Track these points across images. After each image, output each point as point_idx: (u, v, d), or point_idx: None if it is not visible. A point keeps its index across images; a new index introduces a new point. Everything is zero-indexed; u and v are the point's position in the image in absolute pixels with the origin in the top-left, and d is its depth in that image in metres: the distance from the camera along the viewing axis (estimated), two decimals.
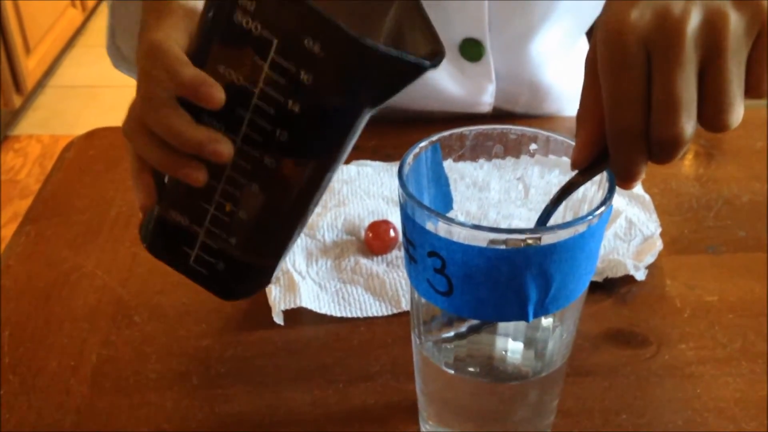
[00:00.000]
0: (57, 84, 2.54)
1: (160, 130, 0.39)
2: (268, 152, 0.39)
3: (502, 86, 0.76)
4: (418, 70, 0.37)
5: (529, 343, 0.45)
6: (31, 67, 2.35)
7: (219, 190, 0.40)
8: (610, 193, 0.39)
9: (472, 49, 0.73)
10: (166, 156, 0.40)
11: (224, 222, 0.41)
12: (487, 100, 0.77)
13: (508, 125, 0.44)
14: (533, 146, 0.44)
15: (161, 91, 0.39)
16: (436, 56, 0.38)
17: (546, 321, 0.43)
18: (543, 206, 0.41)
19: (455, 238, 0.37)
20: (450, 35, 0.72)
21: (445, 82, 0.75)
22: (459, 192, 0.45)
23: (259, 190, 0.40)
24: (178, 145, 0.39)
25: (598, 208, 0.38)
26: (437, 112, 0.77)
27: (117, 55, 0.67)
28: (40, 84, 2.48)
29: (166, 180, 0.43)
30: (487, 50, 0.73)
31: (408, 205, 0.39)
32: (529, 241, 0.37)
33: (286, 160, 0.40)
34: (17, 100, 2.29)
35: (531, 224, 0.45)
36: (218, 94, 0.37)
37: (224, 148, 0.38)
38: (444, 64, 0.74)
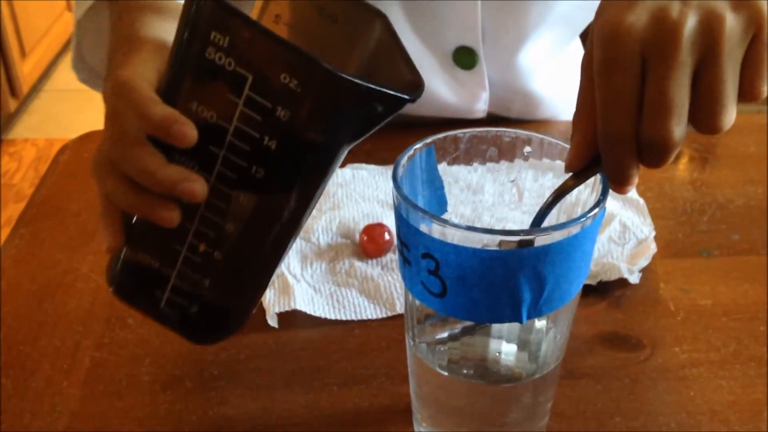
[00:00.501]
0: (52, 88, 2.54)
1: (131, 170, 0.38)
2: (244, 190, 0.38)
3: (496, 93, 0.77)
4: (397, 103, 0.36)
5: (522, 345, 0.45)
6: (26, 71, 2.35)
7: (192, 231, 0.39)
8: (604, 195, 0.39)
9: (465, 58, 0.73)
10: (136, 197, 0.38)
11: (198, 263, 0.40)
12: (480, 107, 0.77)
13: (502, 128, 0.44)
14: (527, 149, 0.44)
15: (130, 130, 0.38)
16: (416, 88, 0.38)
17: (539, 323, 0.43)
18: (537, 209, 0.41)
19: (449, 240, 0.37)
20: (443, 43, 0.72)
21: (440, 90, 0.75)
22: (453, 195, 0.45)
23: (234, 229, 0.39)
24: (149, 185, 0.37)
25: (591, 209, 0.38)
26: (431, 118, 0.77)
27: (84, 69, 0.66)
28: (36, 88, 2.47)
29: (134, 221, 0.41)
30: (481, 58, 0.73)
31: (402, 207, 0.39)
32: (523, 243, 0.37)
33: (263, 197, 0.38)
34: (12, 104, 2.29)
35: (525, 227, 0.45)
36: (191, 133, 0.36)
37: (198, 187, 0.37)
38: (438, 72, 0.74)
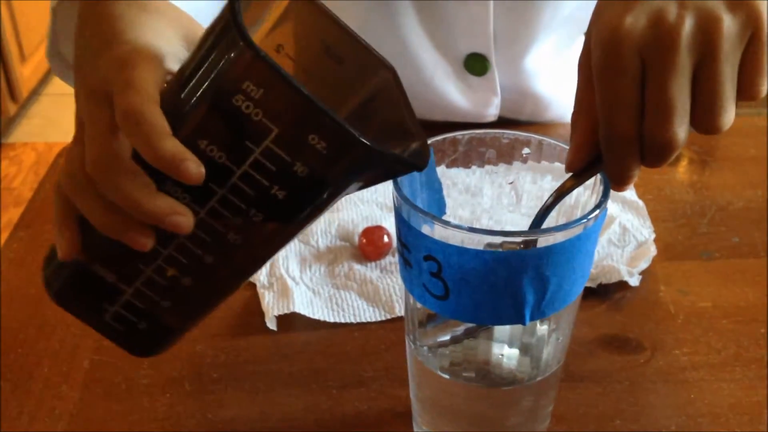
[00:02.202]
0: (52, 92, 2.54)
1: (116, 197, 0.35)
2: (234, 229, 0.36)
3: (507, 97, 0.77)
4: (411, 170, 0.36)
5: (524, 347, 0.45)
6: (26, 75, 2.35)
7: (164, 255, 0.37)
8: (605, 195, 0.39)
9: (477, 64, 0.73)
10: (112, 219, 0.36)
11: (161, 285, 0.38)
12: (492, 111, 0.77)
13: (501, 130, 0.44)
14: (526, 150, 0.44)
15: (122, 154, 0.35)
16: (424, 155, 0.38)
17: (541, 325, 0.43)
18: (535, 211, 0.41)
19: (451, 242, 0.37)
20: (455, 50, 0.73)
21: (452, 96, 0.75)
22: (452, 197, 0.45)
23: (213, 261, 0.37)
24: (133, 214, 0.35)
25: (593, 210, 0.38)
26: (443, 122, 0.77)
27: (60, 63, 0.61)
28: (35, 92, 2.47)
29: (95, 230, 0.38)
30: (492, 65, 0.73)
31: (403, 209, 0.39)
32: (526, 244, 0.37)
33: (253, 236, 0.37)
34: (12, 108, 2.29)
35: (524, 229, 0.45)
36: (199, 174, 0.34)
37: (185, 221, 0.35)
38: (450, 78, 0.74)
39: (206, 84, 0.34)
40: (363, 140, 0.33)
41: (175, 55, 0.38)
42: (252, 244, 0.37)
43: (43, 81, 2.52)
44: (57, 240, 0.39)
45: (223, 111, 0.34)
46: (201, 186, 0.34)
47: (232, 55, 0.33)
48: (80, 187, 0.36)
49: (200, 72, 0.35)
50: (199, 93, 0.34)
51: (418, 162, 0.37)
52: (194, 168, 0.33)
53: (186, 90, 0.35)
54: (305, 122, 0.33)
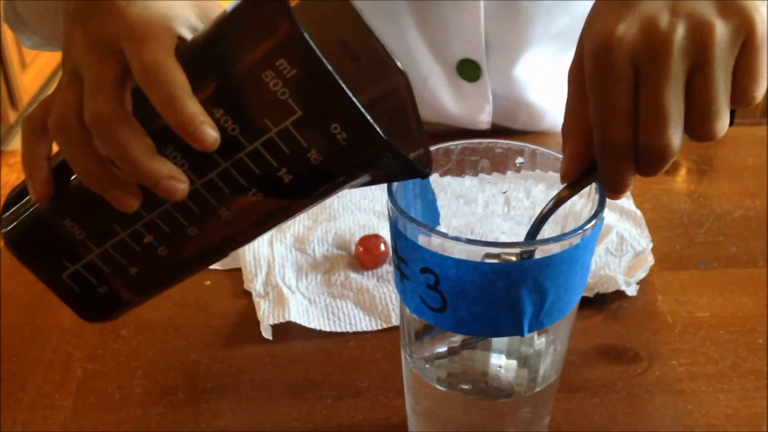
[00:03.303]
0: None
1: (111, 150, 0.33)
2: (228, 205, 0.35)
3: (500, 106, 0.77)
4: (416, 177, 0.36)
5: (521, 358, 0.44)
6: (26, 82, 2.35)
7: (145, 221, 0.35)
8: (602, 204, 0.39)
9: (469, 70, 0.73)
10: (101, 173, 0.34)
11: (134, 251, 0.36)
12: (484, 118, 0.78)
13: (494, 139, 0.44)
14: (519, 160, 0.44)
15: (122, 103, 0.33)
16: (428, 165, 0.38)
17: (539, 336, 0.43)
18: (529, 220, 0.41)
19: (448, 254, 0.37)
20: (448, 55, 0.73)
21: (445, 101, 0.76)
22: (444, 207, 0.45)
23: (196, 234, 0.36)
24: (128, 172, 0.33)
25: (591, 219, 0.38)
26: (436, 125, 0.77)
27: (14, 18, 0.60)
28: (36, 99, 2.48)
29: (72, 182, 0.36)
30: (485, 71, 0.73)
31: (399, 221, 0.38)
32: (523, 255, 0.37)
33: (245, 216, 0.36)
34: (12, 116, 2.29)
35: (517, 238, 0.45)
36: (213, 140, 0.32)
37: (181, 188, 0.33)
38: (443, 83, 0.75)
39: (235, 55, 0.33)
40: (386, 139, 0.32)
41: (186, 19, 0.37)
42: (241, 223, 0.36)
43: (44, 89, 2.53)
44: (28, 180, 0.36)
45: (248, 84, 0.33)
46: (205, 155, 0.33)
47: (272, 30, 0.32)
48: (72, 134, 0.34)
49: (229, 41, 0.33)
50: (224, 62, 0.33)
51: (425, 170, 0.37)
52: (211, 134, 0.32)
53: (208, 57, 0.34)
54: (332, 111, 0.32)
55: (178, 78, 0.33)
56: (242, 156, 0.34)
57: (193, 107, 0.32)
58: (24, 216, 0.37)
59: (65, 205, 0.37)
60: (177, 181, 0.33)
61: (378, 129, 0.32)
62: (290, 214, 0.37)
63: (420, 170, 0.36)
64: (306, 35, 0.31)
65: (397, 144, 0.34)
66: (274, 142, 0.33)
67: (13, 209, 0.38)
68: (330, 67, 0.31)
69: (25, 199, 0.38)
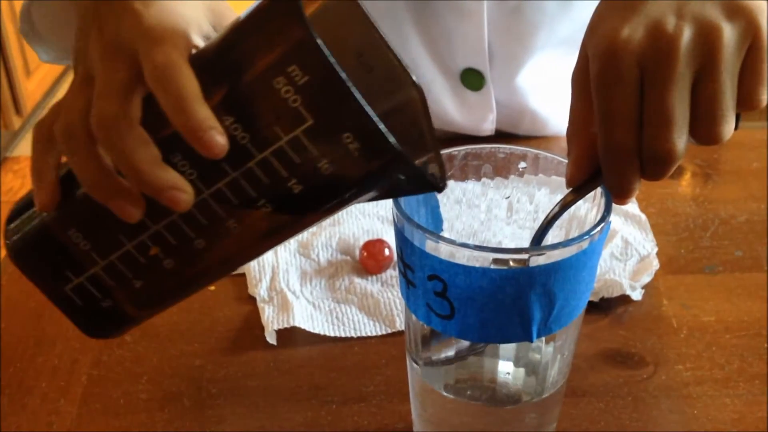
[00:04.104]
0: None
1: (116, 157, 0.33)
2: (236, 216, 0.34)
3: (504, 113, 0.77)
4: (429, 191, 0.35)
5: (529, 364, 0.44)
6: (30, 89, 2.36)
7: (151, 232, 0.35)
8: (608, 208, 0.39)
9: (473, 79, 0.73)
10: (104, 181, 0.34)
11: (139, 263, 0.35)
12: (488, 126, 0.78)
13: (497, 144, 0.43)
14: (522, 165, 0.43)
15: (132, 109, 0.33)
16: (443, 179, 0.37)
17: (547, 341, 0.43)
18: (532, 225, 0.41)
19: (456, 261, 0.37)
20: (452, 64, 0.73)
21: (448, 109, 0.76)
22: (447, 212, 0.45)
23: (203, 246, 0.35)
24: (132, 180, 0.33)
25: (598, 223, 0.38)
26: (438, 130, 0.77)
27: (30, 31, 0.60)
28: (40, 106, 2.48)
29: (78, 190, 0.36)
30: (488, 81, 0.73)
31: (406, 228, 0.38)
32: (531, 261, 0.37)
33: (253, 228, 0.35)
34: (17, 122, 2.30)
35: (521, 243, 0.45)
36: (222, 147, 0.32)
37: (185, 199, 0.33)
38: (447, 92, 0.75)
39: (247, 60, 0.32)
40: (399, 149, 0.32)
41: (200, 26, 0.36)
42: (249, 235, 0.35)
43: (48, 95, 2.53)
44: (35, 188, 0.36)
45: (258, 91, 0.32)
46: (213, 165, 0.33)
47: (285, 35, 0.31)
48: (77, 141, 0.34)
49: (242, 47, 0.33)
50: (236, 68, 0.33)
51: (440, 183, 0.36)
52: (220, 140, 0.31)
53: (220, 63, 0.33)
54: (344, 119, 0.31)
55: (190, 82, 0.32)
56: (251, 165, 0.33)
57: (204, 112, 0.32)
58: (28, 227, 0.37)
59: (70, 214, 0.36)
60: (181, 192, 0.33)
61: (391, 138, 0.31)
62: (299, 228, 0.36)
63: (434, 183, 0.35)
64: (319, 41, 0.31)
65: (411, 157, 0.33)
66: (284, 151, 0.32)
67: (18, 220, 0.38)
68: (343, 74, 0.31)
69: (30, 210, 0.37)
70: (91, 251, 0.36)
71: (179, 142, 0.32)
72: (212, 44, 0.35)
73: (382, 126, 0.31)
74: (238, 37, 0.33)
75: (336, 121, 0.32)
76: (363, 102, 0.31)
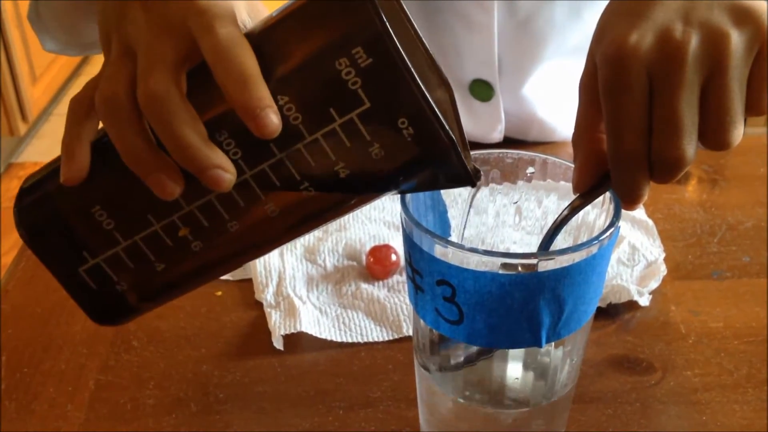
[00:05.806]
0: (62, 112, 2.55)
1: (163, 132, 0.32)
2: (276, 199, 0.33)
3: (512, 123, 0.77)
4: (467, 183, 0.35)
5: (538, 369, 0.44)
6: (36, 95, 2.36)
7: (184, 211, 0.33)
8: (617, 213, 0.39)
9: (482, 90, 0.74)
10: (145, 153, 0.33)
11: (165, 245, 0.34)
12: (497, 136, 0.78)
13: (505, 150, 0.43)
14: (530, 170, 0.43)
15: (177, 83, 0.32)
16: (478, 173, 0.37)
17: (556, 346, 0.43)
18: (540, 230, 0.40)
19: (465, 266, 0.37)
20: (461, 75, 0.73)
21: None
22: (455, 217, 0.45)
23: (237, 229, 0.34)
24: (176, 156, 0.32)
25: (607, 228, 0.38)
26: None
27: (37, 20, 0.59)
28: (46, 112, 2.49)
29: (108, 166, 0.34)
30: (497, 92, 0.73)
31: (414, 234, 0.38)
32: (539, 266, 0.37)
33: (291, 212, 0.34)
34: (23, 128, 2.30)
35: (529, 249, 0.45)
36: (275, 128, 0.31)
37: (228, 179, 0.32)
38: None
39: (309, 40, 0.32)
40: (453, 137, 0.32)
41: (240, 11, 0.36)
42: (287, 220, 0.34)
43: (54, 101, 2.54)
44: (64, 161, 0.34)
45: (319, 71, 0.31)
46: (261, 144, 0.32)
47: (353, 16, 0.31)
48: (121, 112, 0.33)
49: (304, 26, 0.32)
50: (297, 47, 0.32)
51: (476, 177, 0.36)
52: (275, 120, 0.31)
53: (279, 41, 0.33)
54: (402, 104, 0.31)
55: (251, 60, 0.32)
56: (300, 147, 0.32)
57: (262, 90, 0.31)
58: (45, 204, 0.35)
59: (97, 190, 0.34)
60: (225, 171, 0.32)
61: (447, 126, 0.31)
62: (335, 214, 0.35)
63: (472, 176, 0.35)
64: (388, 25, 0.30)
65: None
66: (337, 133, 0.32)
67: (31, 198, 0.36)
68: (408, 60, 0.30)
69: (46, 186, 0.35)
70: (114, 230, 0.34)
71: (225, 120, 0.32)
72: (269, 23, 0.34)
73: (439, 113, 0.31)
74: (301, 16, 0.33)
75: (394, 106, 0.31)
76: (423, 88, 0.31)
